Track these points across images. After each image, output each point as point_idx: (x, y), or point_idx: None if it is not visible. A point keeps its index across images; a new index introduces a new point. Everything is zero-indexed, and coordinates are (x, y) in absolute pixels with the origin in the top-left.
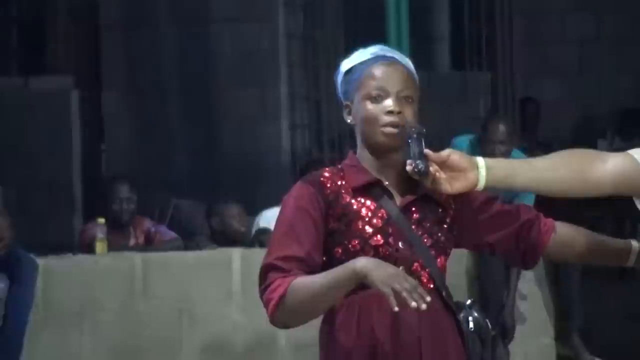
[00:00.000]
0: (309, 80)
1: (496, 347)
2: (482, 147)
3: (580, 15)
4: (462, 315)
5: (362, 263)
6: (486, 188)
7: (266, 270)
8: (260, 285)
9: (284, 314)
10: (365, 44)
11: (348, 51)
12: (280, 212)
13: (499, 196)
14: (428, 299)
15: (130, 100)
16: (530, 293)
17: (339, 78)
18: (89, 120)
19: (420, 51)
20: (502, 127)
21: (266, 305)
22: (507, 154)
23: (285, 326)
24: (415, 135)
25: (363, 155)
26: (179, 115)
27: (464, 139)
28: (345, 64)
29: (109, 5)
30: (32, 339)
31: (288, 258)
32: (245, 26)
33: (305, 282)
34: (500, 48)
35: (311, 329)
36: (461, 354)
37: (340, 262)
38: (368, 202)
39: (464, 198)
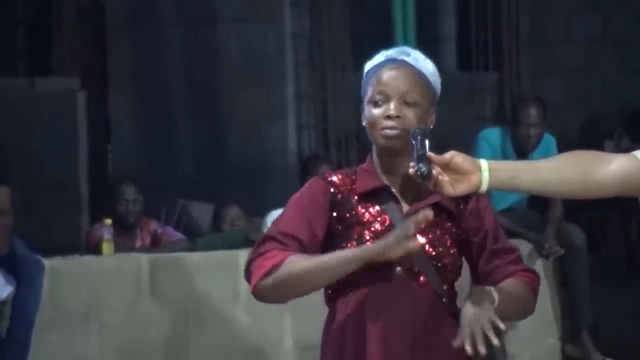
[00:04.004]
0: (316, 80)
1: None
2: (515, 132)
3: (586, 16)
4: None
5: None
6: (489, 190)
7: (265, 240)
8: (253, 252)
9: (269, 284)
10: (371, 44)
11: (354, 52)
12: (291, 198)
13: (504, 236)
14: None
15: (136, 101)
16: None
17: (362, 79)
18: (95, 120)
19: (426, 52)
20: (533, 111)
21: (254, 271)
22: (540, 136)
23: (264, 297)
24: (418, 137)
25: (376, 159)
26: (185, 116)
27: (493, 131)
28: (366, 67)
29: (115, 5)
30: (38, 339)
31: (290, 236)
32: (251, 26)
33: (305, 257)
34: (506, 48)
35: (317, 331)
36: None
37: None
38: (372, 208)
39: (479, 218)
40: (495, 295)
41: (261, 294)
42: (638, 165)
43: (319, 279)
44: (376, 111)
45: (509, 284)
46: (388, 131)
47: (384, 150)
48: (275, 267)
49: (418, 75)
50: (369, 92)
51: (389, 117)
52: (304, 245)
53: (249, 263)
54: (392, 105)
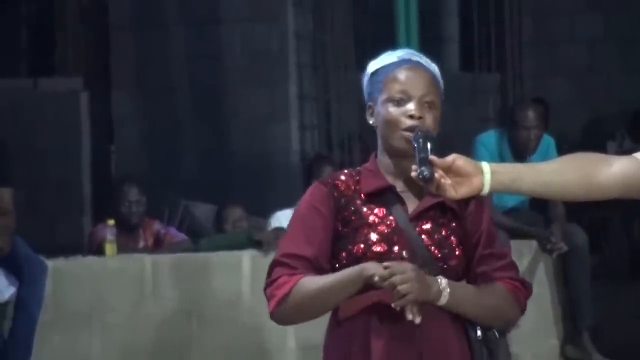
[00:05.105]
0: (319, 80)
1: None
2: (514, 135)
3: (589, 16)
4: (469, 324)
5: (370, 264)
6: (491, 192)
7: (273, 266)
8: (266, 278)
9: (285, 311)
10: (374, 45)
11: (357, 52)
12: (295, 211)
13: (499, 241)
14: (418, 320)
15: (139, 101)
16: (537, 294)
17: (365, 79)
18: (98, 121)
19: (429, 52)
20: (531, 113)
21: (269, 299)
22: (539, 138)
23: (284, 323)
24: (420, 140)
25: (382, 159)
26: (189, 116)
27: (490, 134)
28: (372, 66)
29: (118, 5)
30: (41, 340)
31: (296, 256)
32: (254, 26)
33: (312, 280)
34: (509, 49)
35: (320, 331)
36: None
37: (345, 267)
38: (378, 209)
39: (477, 220)
40: (446, 292)
41: (280, 320)
42: (639, 167)
43: (328, 301)
44: (396, 110)
45: (483, 288)
46: (410, 133)
47: (400, 151)
48: (286, 295)
49: (433, 78)
50: (385, 90)
51: (411, 117)
52: (312, 262)
53: (265, 290)
54: (413, 105)
